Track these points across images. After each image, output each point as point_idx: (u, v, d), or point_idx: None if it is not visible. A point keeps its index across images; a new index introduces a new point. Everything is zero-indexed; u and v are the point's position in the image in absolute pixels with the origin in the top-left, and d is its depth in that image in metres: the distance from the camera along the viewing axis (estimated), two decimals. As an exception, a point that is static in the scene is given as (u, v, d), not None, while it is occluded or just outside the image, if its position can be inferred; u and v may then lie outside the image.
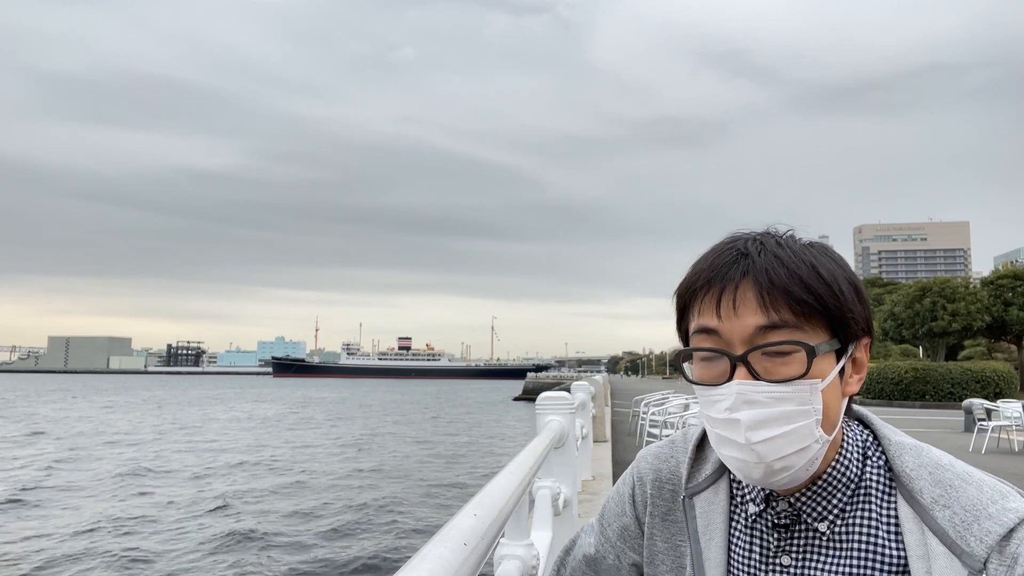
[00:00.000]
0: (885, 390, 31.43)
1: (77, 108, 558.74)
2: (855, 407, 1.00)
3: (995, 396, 26.86)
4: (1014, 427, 13.75)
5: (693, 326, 0.94)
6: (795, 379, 0.86)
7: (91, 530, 13.88)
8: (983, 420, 14.11)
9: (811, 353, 0.86)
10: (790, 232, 0.96)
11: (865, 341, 0.95)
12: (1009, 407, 14.03)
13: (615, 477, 6.56)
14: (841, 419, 0.92)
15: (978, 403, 14.86)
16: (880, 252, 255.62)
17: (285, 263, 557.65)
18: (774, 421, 0.86)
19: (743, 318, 0.88)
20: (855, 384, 0.94)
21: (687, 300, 0.96)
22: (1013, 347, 44.86)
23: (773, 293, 0.88)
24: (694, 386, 0.95)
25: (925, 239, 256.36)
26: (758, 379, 0.87)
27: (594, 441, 10.34)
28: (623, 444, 13.01)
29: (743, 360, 0.88)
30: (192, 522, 14.61)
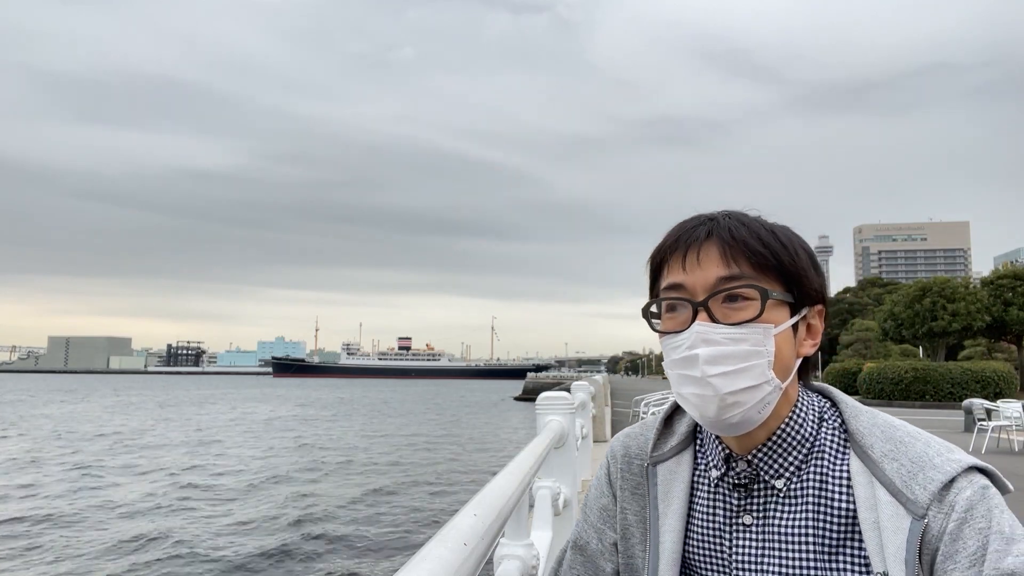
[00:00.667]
0: (885, 390, 31.39)
1: (77, 108, 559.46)
2: (816, 383, 1.07)
3: (995, 396, 26.83)
4: (1014, 427, 13.73)
5: (663, 284, 1.03)
6: (749, 321, 0.94)
7: (106, 536, 13.87)
8: (983, 420, 14.10)
9: (764, 295, 0.95)
10: (757, 215, 1.04)
11: (819, 308, 1.03)
12: (1009, 407, 14.01)
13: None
14: (794, 374, 1.00)
15: (978, 403, 14.84)
16: (880, 252, 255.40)
17: (285, 263, 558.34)
18: (730, 358, 0.94)
19: (706, 270, 0.97)
20: (809, 347, 1.02)
21: (659, 261, 1.04)
22: (1013, 347, 44.77)
23: (734, 247, 0.97)
24: (660, 337, 1.02)
25: (925, 239, 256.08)
26: (717, 323, 0.95)
27: (594, 441, 10.33)
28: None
29: (704, 305, 0.96)
30: (193, 523, 14.61)
